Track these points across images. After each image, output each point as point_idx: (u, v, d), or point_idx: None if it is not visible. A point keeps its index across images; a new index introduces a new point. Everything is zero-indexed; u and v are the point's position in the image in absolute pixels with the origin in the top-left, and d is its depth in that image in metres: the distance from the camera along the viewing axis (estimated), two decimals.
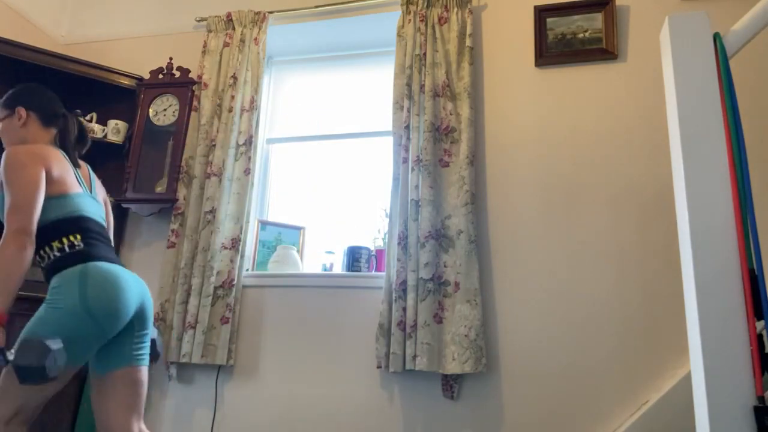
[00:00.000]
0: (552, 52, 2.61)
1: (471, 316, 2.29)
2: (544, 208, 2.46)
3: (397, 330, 2.33)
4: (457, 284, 2.35)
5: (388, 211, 2.58)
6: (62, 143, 1.82)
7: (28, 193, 1.56)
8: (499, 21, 2.75)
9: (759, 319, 1.17)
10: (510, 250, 2.45)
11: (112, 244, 1.82)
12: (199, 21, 3.12)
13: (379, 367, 2.35)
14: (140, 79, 3.06)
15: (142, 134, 2.93)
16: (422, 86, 2.60)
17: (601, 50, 2.55)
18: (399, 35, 2.73)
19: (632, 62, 2.53)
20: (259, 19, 2.97)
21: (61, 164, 1.71)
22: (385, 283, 2.43)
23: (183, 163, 2.86)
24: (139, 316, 1.70)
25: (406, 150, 2.54)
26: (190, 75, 3.03)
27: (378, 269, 2.68)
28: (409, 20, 2.71)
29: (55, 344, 1.39)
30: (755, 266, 1.19)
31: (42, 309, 1.58)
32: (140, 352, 1.71)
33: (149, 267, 2.89)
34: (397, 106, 2.63)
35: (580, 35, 2.59)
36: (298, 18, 3.02)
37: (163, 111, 2.97)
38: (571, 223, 2.42)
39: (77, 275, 1.58)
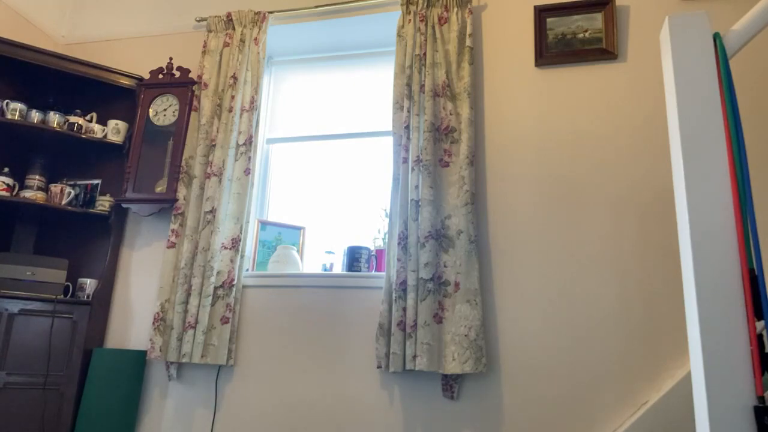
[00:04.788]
0: (552, 52, 2.61)
1: (471, 316, 2.29)
2: (544, 207, 2.46)
3: (397, 330, 2.33)
4: (457, 284, 2.35)
5: (388, 211, 2.57)
6: None
7: None
8: (499, 21, 2.75)
9: (759, 319, 1.17)
10: (510, 250, 2.45)
11: None
12: (199, 21, 3.12)
13: (379, 367, 2.35)
14: (140, 79, 3.06)
15: (142, 134, 2.93)
16: (422, 86, 2.60)
17: (601, 50, 2.55)
18: (399, 35, 2.73)
19: (632, 62, 2.53)
20: (259, 19, 2.97)
21: None
22: (385, 283, 2.43)
23: (183, 163, 2.86)
24: None
25: (406, 150, 2.54)
26: (190, 75, 3.03)
27: (378, 269, 2.68)
28: (409, 20, 2.71)
29: None
30: (755, 266, 1.19)
31: None
32: None
33: (149, 267, 2.89)
34: (397, 106, 2.63)
35: (580, 35, 2.59)
36: (298, 18, 3.02)
37: (163, 111, 2.97)
38: (571, 223, 2.42)
39: None
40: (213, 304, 2.62)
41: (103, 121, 3.06)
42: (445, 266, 2.41)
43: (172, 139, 2.92)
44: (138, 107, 2.99)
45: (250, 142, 2.82)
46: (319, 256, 2.93)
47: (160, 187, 2.89)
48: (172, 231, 2.77)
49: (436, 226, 2.44)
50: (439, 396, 2.36)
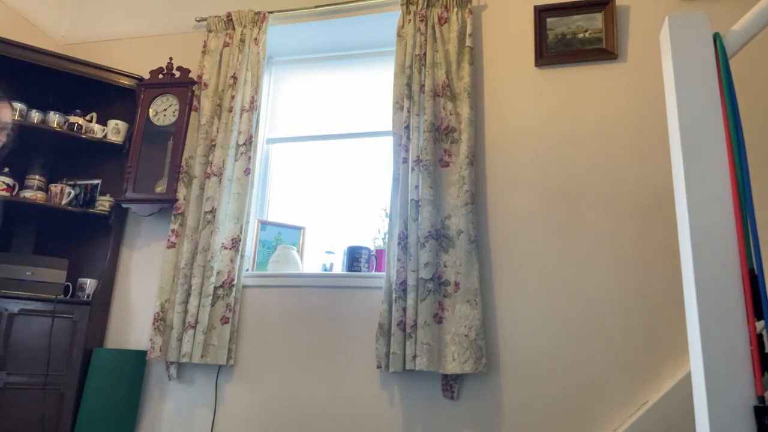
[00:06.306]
0: (552, 52, 2.61)
1: (471, 316, 2.29)
2: (544, 207, 2.46)
3: (397, 330, 2.33)
4: (457, 284, 2.35)
5: (388, 211, 2.57)
6: None
7: None
8: (499, 21, 2.75)
9: (759, 319, 1.17)
10: (510, 250, 2.45)
11: None
12: (199, 21, 3.12)
13: (379, 367, 2.35)
14: (140, 79, 3.06)
15: (142, 134, 2.93)
16: (422, 86, 2.60)
17: (601, 50, 2.55)
18: (399, 35, 2.72)
19: (632, 62, 2.53)
20: (259, 19, 2.97)
21: None
22: (385, 283, 2.43)
23: (183, 163, 2.86)
24: None
25: (406, 150, 2.54)
26: (190, 75, 3.03)
27: (378, 269, 2.68)
28: (409, 20, 2.71)
29: None
30: (755, 266, 1.19)
31: None
32: None
33: (149, 267, 2.89)
34: (397, 106, 2.63)
35: (580, 35, 2.59)
36: (298, 18, 3.02)
37: (163, 111, 2.97)
38: (571, 223, 2.42)
39: None
40: (213, 304, 2.62)
41: (103, 121, 3.06)
42: (445, 266, 2.41)
43: (172, 139, 2.92)
44: (138, 107, 2.99)
45: (250, 142, 2.82)
46: (319, 256, 2.93)
47: (160, 187, 2.89)
48: (172, 231, 2.77)
49: (436, 226, 2.44)
50: (439, 396, 2.36)
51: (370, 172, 2.97)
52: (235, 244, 2.69)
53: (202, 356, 2.55)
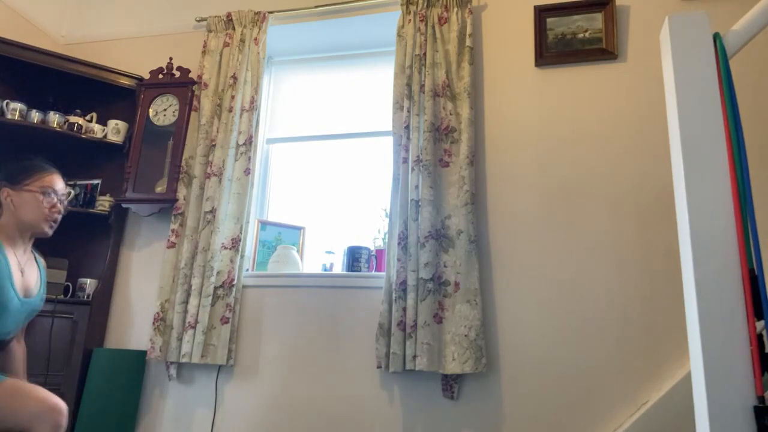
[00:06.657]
0: (552, 52, 2.61)
1: (471, 316, 2.29)
2: (544, 207, 2.46)
3: (397, 330, 2.33)
4: (457, 284, 2.35)
5: (388, 211, 2.58)
6: None
7: None
8: (499, 21, 2.75)
9: (759, 319, 1.17)
10: (510, 250, 2.45)
11: None
12: (199, 21, 3.12)
13: (379, 367, 2.35)
14: (140, 79, 3.06)
15: (142, 134, 2.93)
16: (422, 86, 2.60)
17: (601, 50, 2.55)
18: (399, 35, 2.72)
19: (632, 62, 2.53)
20: (259, 19, 2.97)
21: None
22: (385, 283, 2.43)
23: (183, 163, 2.86)
24: None
25: (406, 150, 2.54)
26: (190, 75, 3.03)
27: (378, 269, 2.68)
28: (409, 20, 2.71)
29: None
30: (755, 266, 1.19)
31: None
32: None
33: (149, 267, 2.89)
34: (397, 106, 2.63)
35: (580, 35, 2.59)
36: (298, 18, 3.02)
37: (163, 111, 2.97)
38: (571, 223, 2.42)
39: None
40: (213, 304, 2.62)
41: (103, 121, 3.06)
42: (445, 266, 2.41)
43: (172, 139, 2.92)
44: (138, 107, 2.99)
45: (250, 142, 2.82)
46: (319, 256, 2.93)
47: (160, 187, 2.89)
48: (172, 231, 2.77)
49: (436, 226, 2.44)
50: (439, 396, 2.36)
51: (370, 172, 2.97)
52: (235, 244, 2.69)
53: (202, 356, 2.55)
